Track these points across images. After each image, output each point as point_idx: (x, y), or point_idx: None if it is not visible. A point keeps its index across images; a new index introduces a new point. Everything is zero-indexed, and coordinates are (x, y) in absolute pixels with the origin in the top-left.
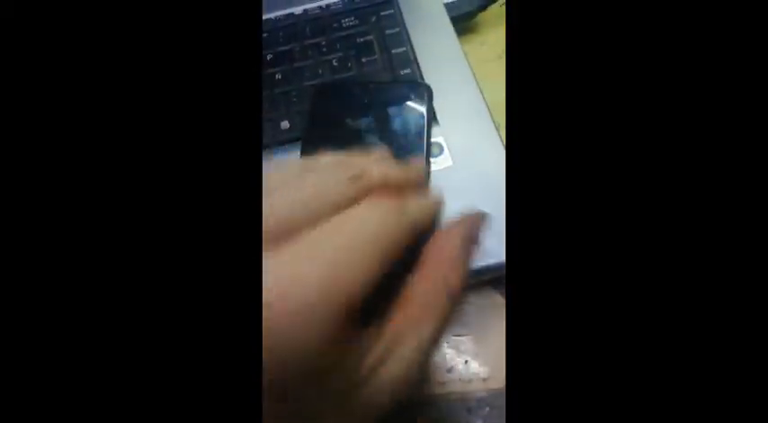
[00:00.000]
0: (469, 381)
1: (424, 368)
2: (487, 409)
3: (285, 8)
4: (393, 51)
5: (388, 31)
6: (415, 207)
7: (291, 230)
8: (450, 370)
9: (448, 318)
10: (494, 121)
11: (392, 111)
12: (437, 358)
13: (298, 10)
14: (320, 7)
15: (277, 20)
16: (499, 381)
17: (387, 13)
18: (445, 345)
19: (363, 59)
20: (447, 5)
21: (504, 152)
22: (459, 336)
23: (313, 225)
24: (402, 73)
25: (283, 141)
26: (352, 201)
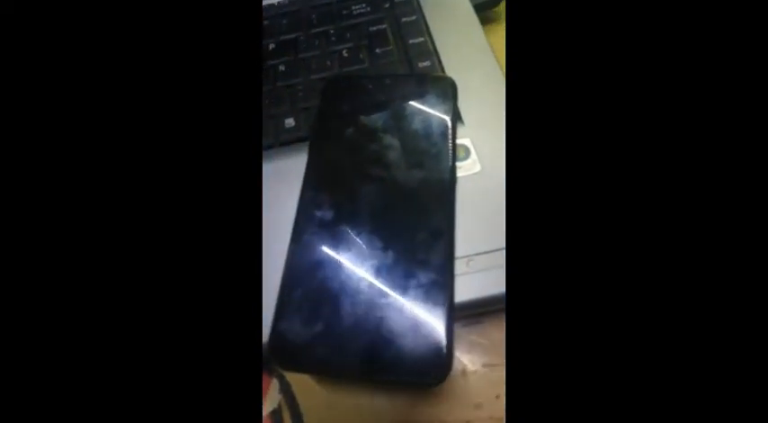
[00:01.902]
0: (501, 418)
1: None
2: None
3: None
4: (410, 41)
5: (404, 19)
6: None
7: None
8: (478, 406)
9: None
10: None
11: (411, 108)
12: (462, 393)
13: None
14: None
15: (279, 5)
16: None
17: None
18: (472, 377)
19: (377, 50)
20: None
21: None
22: (489, 366)
23: None
24: (421, 65)
25: (288, 141)
26: None
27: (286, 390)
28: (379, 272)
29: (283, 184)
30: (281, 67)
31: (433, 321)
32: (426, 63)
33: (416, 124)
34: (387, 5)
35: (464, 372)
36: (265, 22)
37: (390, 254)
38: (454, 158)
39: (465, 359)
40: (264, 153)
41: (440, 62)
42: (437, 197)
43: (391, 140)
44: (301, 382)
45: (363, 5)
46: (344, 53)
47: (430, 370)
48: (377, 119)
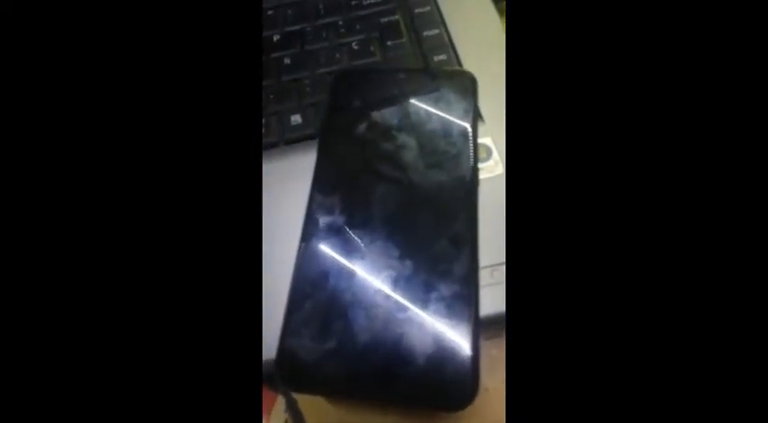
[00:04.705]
0: None
1: None
2: None
3: None
4: (424, 33)
5: (417, 10)
6: None
7: None
8: None
9: None
10: None
11: (428, 104)
12: (481, 412)
13: None
14: None
15: None
16: None
17: None
18: (493, 395)
19: (389, 43)
20: None
21: None
22: None
23: None
24: (436, 59)
25: (294, 140)
26: None
27: (292, 407)
28: (396, 283)
29: (290, 185)
30: (287, 61)
31: (457, 339)
32: (442, 56)
33: (434, 122)
34: None
35: (485, 389)
36: (270, 12)
37: (408, 263)
38: (476, 159)
39: (485, 376)
40: (269, 152)
41: (456, 56)
42: (458, 201)
43: (407, 139)
44: (308, 399)
45: None
46: (354, 46)
47: (453, 394)
48: (391, 116)
